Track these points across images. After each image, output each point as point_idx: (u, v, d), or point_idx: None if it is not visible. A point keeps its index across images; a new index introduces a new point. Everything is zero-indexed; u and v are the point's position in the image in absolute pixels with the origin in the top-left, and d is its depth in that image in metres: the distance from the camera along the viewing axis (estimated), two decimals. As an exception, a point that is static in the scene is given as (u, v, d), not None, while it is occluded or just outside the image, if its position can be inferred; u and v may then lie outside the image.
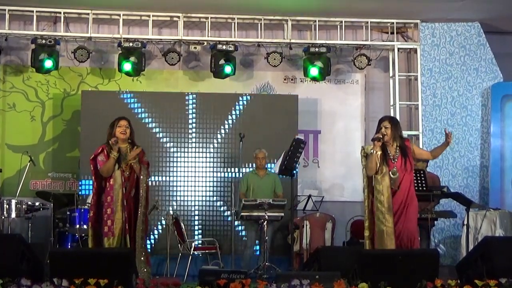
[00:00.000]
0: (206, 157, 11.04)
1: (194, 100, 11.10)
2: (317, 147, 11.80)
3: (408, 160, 7.51)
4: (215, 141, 11.06)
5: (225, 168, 11.02)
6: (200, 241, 10.56)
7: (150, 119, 10.96)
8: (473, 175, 11.62)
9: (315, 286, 6.18)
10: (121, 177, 7.61)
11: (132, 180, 7.70)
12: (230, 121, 11.09)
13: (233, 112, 11.12)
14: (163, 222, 10.55)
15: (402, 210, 7.46)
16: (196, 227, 10.89)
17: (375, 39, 11.73)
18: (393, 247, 7.34)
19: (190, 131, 11.05)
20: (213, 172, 11.03)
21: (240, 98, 11.20)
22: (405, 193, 7.48)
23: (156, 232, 10.72)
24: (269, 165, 10.55)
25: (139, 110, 10.95)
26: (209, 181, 11.01)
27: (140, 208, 7.66)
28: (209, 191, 10.99)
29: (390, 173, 7.48)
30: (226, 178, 10.98)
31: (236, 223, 10.33)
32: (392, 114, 11.56)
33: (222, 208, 10.95)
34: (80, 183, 10.83)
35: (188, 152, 11.03)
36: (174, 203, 10.89)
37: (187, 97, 11.11)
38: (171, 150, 11.00)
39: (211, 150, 11.05)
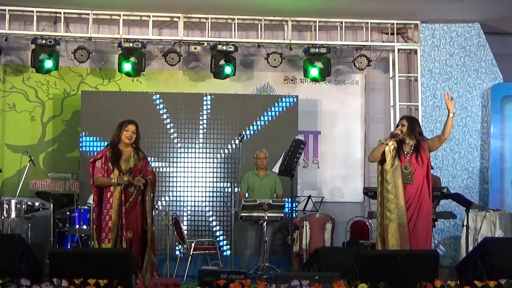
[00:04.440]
0: (205, 158, 11.04)
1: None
2: (317, 147, 11.81)
3: (419, 155, 7.61)
4: (213, 141, 11.07)
5: (224, 169, 11.03)
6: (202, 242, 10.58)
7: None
8: (473, 176, 11.61)
9: (314, 287, 6.18)
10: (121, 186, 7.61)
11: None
12: (229, 121, 11.09)
13: (232, 113, 11.14)
14: (163, 222, 10.54)
15: (415, 204, 7.54)
16: (197, 228, 10.91)
17: (375, 40, 11.73)
18: (406, 238, 7.41)
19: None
20: (212, 172, 11.03)
21: (241, 99, 11.24)
22: (418, 187, 7.58)
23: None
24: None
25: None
26: (209, 182, 11.01)
27: (147, 223, 7.65)
28: (209, 191, 11.00)
29: (403, 168, 7.59)
30: (226, 179, 10.98)
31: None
32: (392, 115, 11.58)
33: (220, 209, 10.96)
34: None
35: (185, 153, 11.04)
36: (174, 204, 10.91)
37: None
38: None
39: (211, 151, 11.05)
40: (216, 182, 11.00)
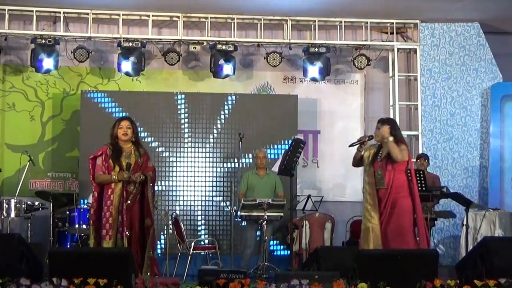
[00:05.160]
0: (204, 157, 11.04)
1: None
2: (317, 147, 11.81)
3: (389, 160, 7.57)
4: (212, 141, 11.05)
5: (224, 168, 11.03)
6: (201, 241, 10.58)
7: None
8: (473, 176, 11.62)
9: (314, 286, 6.17)
10: (122, 182, 7.60)
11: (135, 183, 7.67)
12: (229, 121, 11.09)
13: (232, 112, 11.13)
14: (163, 222, 10.54)
15: (388, 208, 7.52)
16: (197, 227, 10.91)
17: (374, 39, 11.74)
18: (379, 244, 7.42)
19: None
20: (212, 171, 11.02)
21: (239, 98, 11.24)
22: (387, 190, 7.54)
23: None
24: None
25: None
26: (208, 181, 11.00)
27: (149, 217, 7.65)
28: (209, 190, 10.99)
29: (376, 173, 7.62)
30: (225, 178, 10.98)
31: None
32: (391, 115, 11.58)
33: (220, 208, 10.95)
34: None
35: (183, 153, 11.01)
36: (175, 204, 10.91)
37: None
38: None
39: (209, 150, 11.05)
40: (219, 181, 11.01)
